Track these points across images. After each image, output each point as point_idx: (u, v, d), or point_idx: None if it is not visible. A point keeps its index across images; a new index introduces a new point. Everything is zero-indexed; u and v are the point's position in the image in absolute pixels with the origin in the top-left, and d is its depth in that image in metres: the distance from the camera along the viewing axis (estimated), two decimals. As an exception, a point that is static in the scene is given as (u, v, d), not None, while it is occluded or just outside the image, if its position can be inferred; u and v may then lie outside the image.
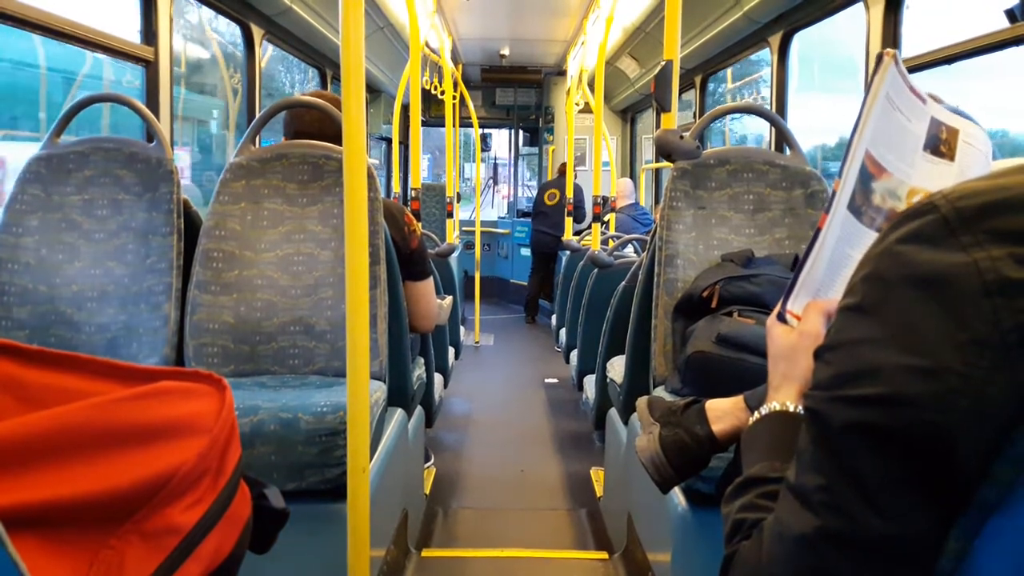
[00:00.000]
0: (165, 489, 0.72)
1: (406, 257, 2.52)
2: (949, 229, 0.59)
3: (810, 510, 0.64)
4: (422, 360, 2.99)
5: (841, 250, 0.88)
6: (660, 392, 2.13)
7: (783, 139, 2.50)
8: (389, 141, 9.46)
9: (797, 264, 0.91)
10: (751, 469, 0.84)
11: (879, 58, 0.84)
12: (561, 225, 7.52)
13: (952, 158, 0.88)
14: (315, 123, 2.42)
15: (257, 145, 2.44)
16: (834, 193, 0.86)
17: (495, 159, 13.78)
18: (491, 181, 13.13)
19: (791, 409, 0.87)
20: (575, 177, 6.62)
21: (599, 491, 3.42)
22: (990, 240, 0.57)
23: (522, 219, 9.71)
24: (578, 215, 7.69)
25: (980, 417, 0.57)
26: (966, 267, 0.57)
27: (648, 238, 2.55)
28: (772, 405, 0.89)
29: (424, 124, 8.86)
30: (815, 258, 0.89)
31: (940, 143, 0.87)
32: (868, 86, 0.85)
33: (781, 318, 0.92)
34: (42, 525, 0.65)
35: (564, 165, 8.29)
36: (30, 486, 0.64)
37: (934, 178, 0.86)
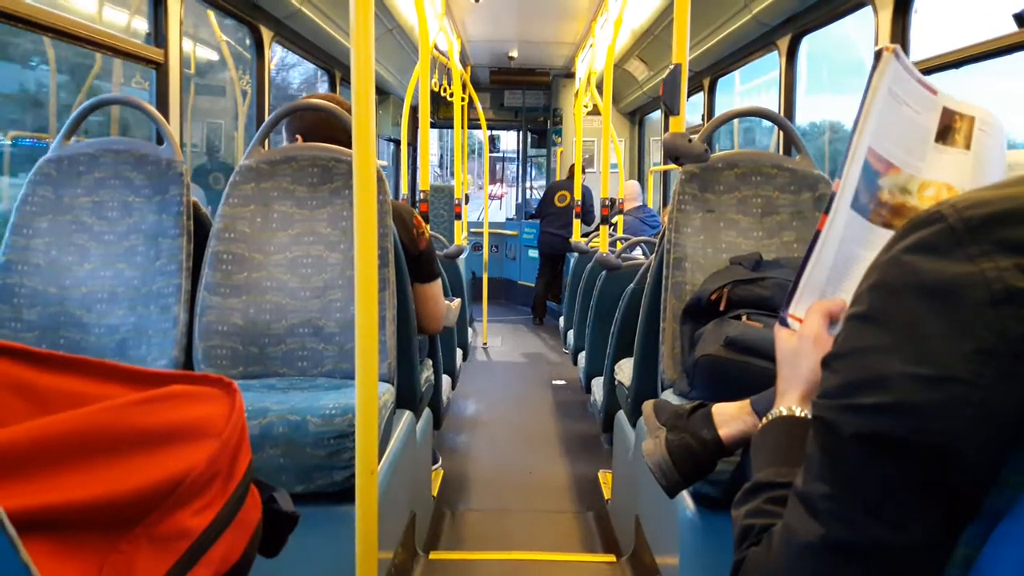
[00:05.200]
0: (175, 493, 0.72)
1: (414, 259, 2.52)
2: (956, 239, 0.59)
3: (816, 518, 0.64)
4: (430, 362, 3.00)
5: (848, 249, 0.87)
6: (668, 395, 2.13)
7: (791, 142, 2.50)
8: (398, 143, 9.47)
9: (798, 268, 0.91)
10: (759, 474, 0.84)
11: (878, 55, 0.84)
12: (571, 226, 7.49)
13: (967, 147, 0.87)
14: (329, 126, 2.42)
15: (267, 148, 2.44)
16: (834, 194, 0.86)
17: (502, 153, 13.71)
18: (499, 181, 13.10)
19: (797, 413, 0.87)
20: (583, 179, 6.61)
21: (607, 494, 3.42)
22: (997, 250, 0.57)
23: (530, 221, 9.71)
24: (587, 218, 7.72)
25: (987, 425, 0.57)
26: (973, 277, 0.57)
27: (656, 240, 2.55)
28: (779, 410, 0.89)
29: (432, 126, 8.86)
30: (816, 260, 0.89)
31: (954, 132, 0.87)
32: (868, 83, 0.84)
33: (783, 322, 0.92)
34: (53, 529, 0.65)
35: (574, 167, 8.29)
36: (42, 490, 0.64)
37: (949, 168, 0.86)
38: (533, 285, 8.84)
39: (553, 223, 8.10)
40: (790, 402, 0.88)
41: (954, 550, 0.60)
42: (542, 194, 8.72)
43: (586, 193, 7.77)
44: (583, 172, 6.71)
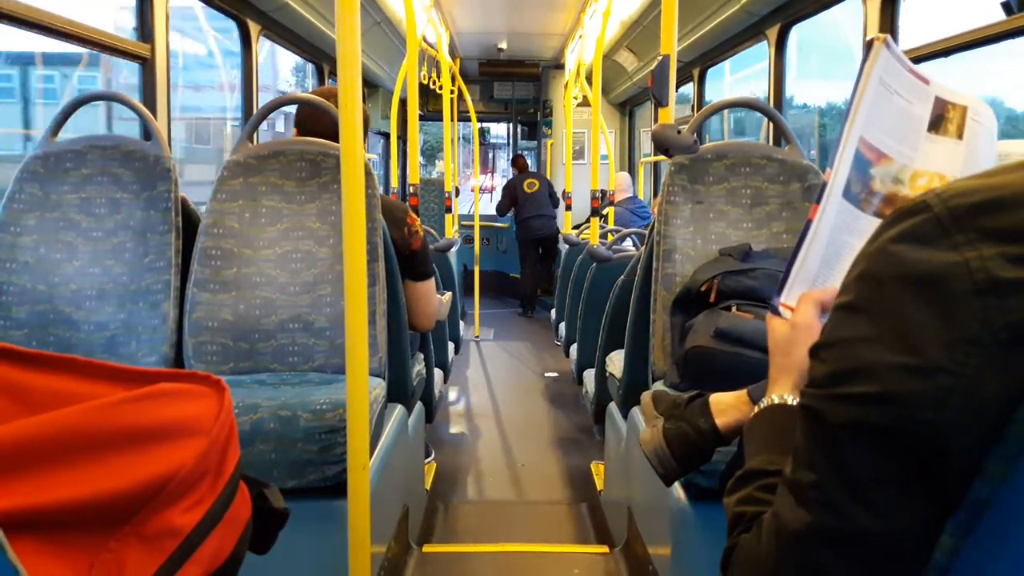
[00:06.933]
0: (164, 491, 0.72)
1: (408, 257, 2.51)
2: (941, 228, 0.60)
3: (804, 506, 0.65)
4: (421, 356, 2.99)
5: (839, 238, 0.88)
6: (659, 387, 2.14)
7: (781, 133, 2.50)
8: (387, 136, 9.44)
9: (790, 257, 0.91)
10: (750, 462, 0.85)
11: (869, 44, 0.84)
12: (548, 206, 8.21)
13: (960, 136, 0.87)
14: (316, 121, 2.41)
15: (255, 142, 2.43)
16: (825, 184, 0.87)
17: (492, 139, 13.64)
18: (489, 172, 13.05)
19: (789, 402, 0.88)
20: (571, 171, 6.61)
21: (599, 485, 3.43)
22: (981, 239, 0.58)
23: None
24: (555, 201, 8.34)
25: (972, 414, 0.57)
26: (957, 266, 0.58)
27: (646, 232, 2.55)
28: (771, 398, 0.90)
29: (422, 119, 8.84)
30: (807, 249, 0.89)
31: (946, 122, 0.87)
32: (859, 73, 0.85)
33: (775, 311, 0.92)
34: (41, 528, 0.65)
35: (519, 158, 9.02)
36: (29, 489, 0.64)
37: (941, 158, 0.86)
38: (517, 277, 8.88)
39: (531, 209, 8.31)
40: (782, 390, 0.89)
41: (939, 538, 0.61)
42: (502, 190, 8.88)
43: (548, 180, 8.57)
44: (572, 164, 6.74)
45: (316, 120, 2.42)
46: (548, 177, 9.27)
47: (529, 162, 11.66)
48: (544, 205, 8.27)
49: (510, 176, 8.99)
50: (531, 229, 8.36)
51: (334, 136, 2.35)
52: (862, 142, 0.85)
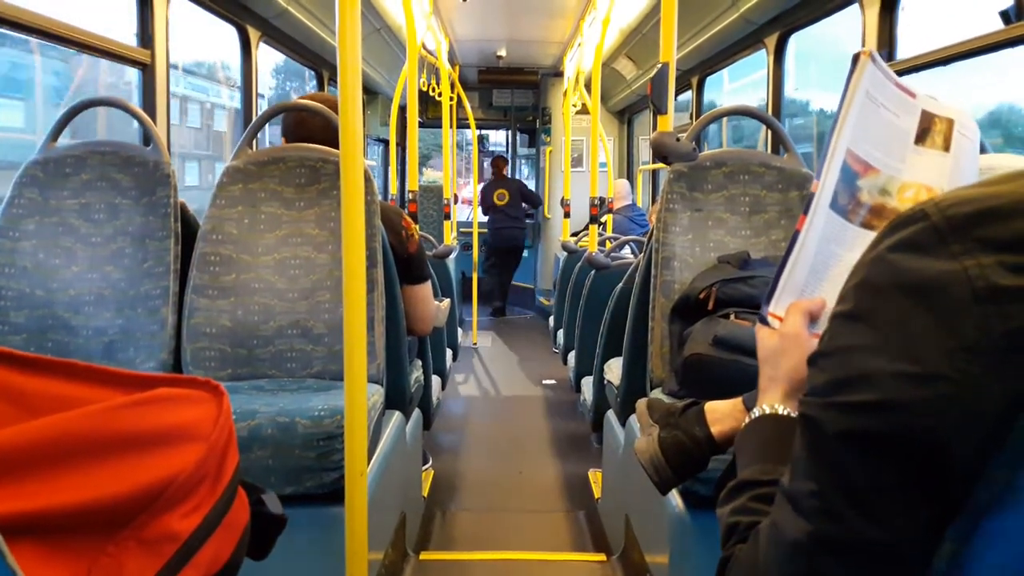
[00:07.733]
0: (163, 496, 0.72)
1: (404, 261, 2.52)
2: (939, 237, 0.60)
3: (803, 516, 0.65)
4: (420, 362, 2.99)
5: (827, 249, 0.88)
6: (657, 394, 2.14)
7: (779, 141, 2.51)
8: (386, 143, 9.44)
9: (777, 267, 0.92)
10: (743, 472, 0.85)
11: (855, 58, 0.85)
12: (518, 217, 8.62)
13: (947, 148, 0.88)
14: (320, 129, 2.41)
15: (254, 148, 2.43)
16: (812, 194, 0.87)
17: (490, 146, 13.61)
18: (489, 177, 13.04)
19: (779, 411, 0.88)
20: (570, 179, 6.63)
21: (597, 493, 3.42)
22: (980, 248, 0.58)
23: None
24: (535, 201, 8.94)
25: (972, 422, 0.57)
26: (956, 275, 0.58)
27: (645, 239, 2.56)
28: (762, 408, 0.90)
29: (421, 126, 8.87)
30: (795, 259, 0.90)
31: (933, 134, 0.88)
32: (845, 87, 0.85)
33: (763, 321, 0.92)
34: (40, 532, 0.65)
35: (500, 160, 9.19)
36: (28, 494, 0.64)
37: (929, 170, 0.87)
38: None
39: (499, 220, 8.65)
40: (772, 400, 0.89)
41: (940, 545, 0.61)
42: (480, 194, 9.10)
43: (522, 184, 9.05)
44: (572, 171, 6.78)
45: (312, 125, 2.42)
46: (546, 184, 9.32)
47: (527, 170, 11.71)
48: (513, 216, 8.63)
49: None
50: (501, 238, 8.68)
51: (324, 140, 2.36)
52: (849, 154, 0.86)
